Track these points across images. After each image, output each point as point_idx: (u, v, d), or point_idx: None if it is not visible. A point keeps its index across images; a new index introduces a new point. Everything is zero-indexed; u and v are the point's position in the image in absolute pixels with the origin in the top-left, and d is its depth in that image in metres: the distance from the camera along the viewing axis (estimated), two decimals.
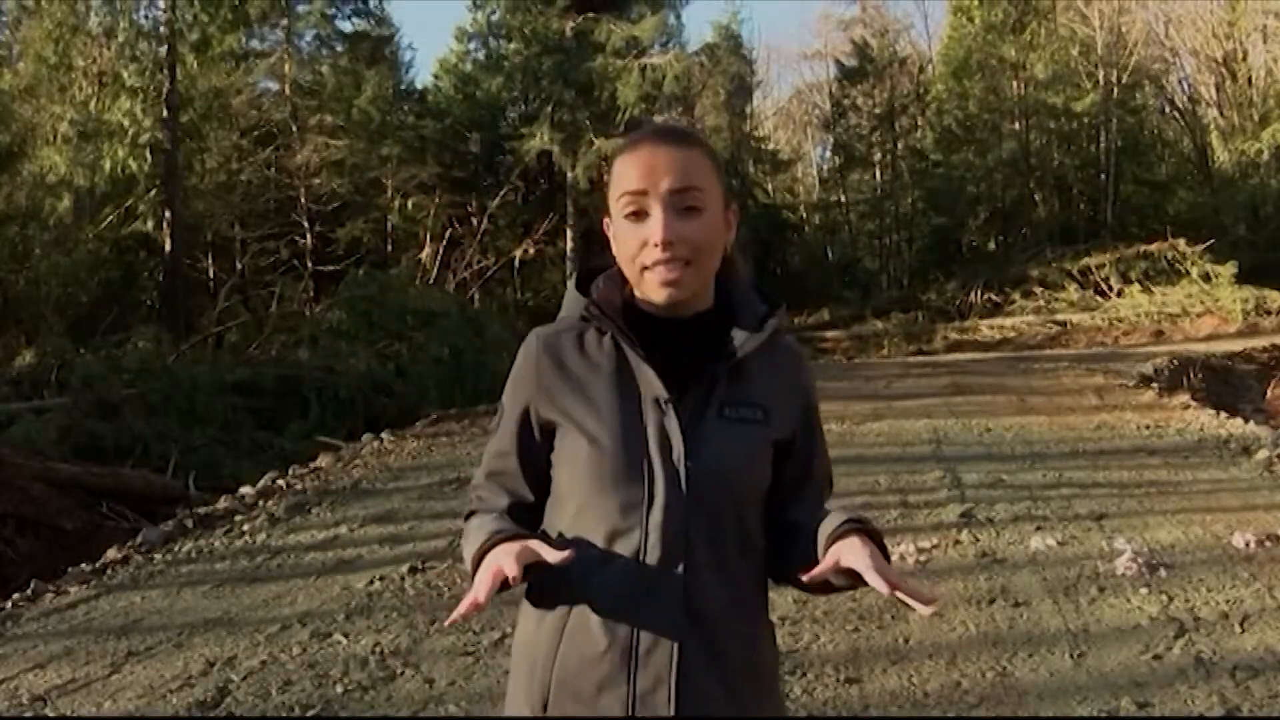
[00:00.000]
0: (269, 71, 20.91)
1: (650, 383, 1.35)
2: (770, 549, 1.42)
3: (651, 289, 1.35)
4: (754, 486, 1.39)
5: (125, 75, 17.02)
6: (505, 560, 1.25)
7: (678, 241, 1.32)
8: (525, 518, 1.40)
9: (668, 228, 1.31)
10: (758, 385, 1.40)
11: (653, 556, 1.31)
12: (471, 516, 1.44)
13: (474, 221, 20.17)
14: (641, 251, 1.34)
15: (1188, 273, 19.50)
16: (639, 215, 1.34)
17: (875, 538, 1.29)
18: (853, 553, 1.25)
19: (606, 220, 1.41)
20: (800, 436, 1.45)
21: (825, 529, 1.34)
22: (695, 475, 1.32)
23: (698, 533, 1.32)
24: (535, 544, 1.28)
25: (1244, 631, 3.70)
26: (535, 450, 1.41)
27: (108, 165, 16.53)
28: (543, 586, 1.35)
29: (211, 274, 19.37)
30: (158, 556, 5.45)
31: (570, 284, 1.46)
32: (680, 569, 1.32)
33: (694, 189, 1.33)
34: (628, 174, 1.35)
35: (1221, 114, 24.86)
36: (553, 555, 1.26)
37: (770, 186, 27.47)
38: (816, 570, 1.28)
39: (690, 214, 1.33)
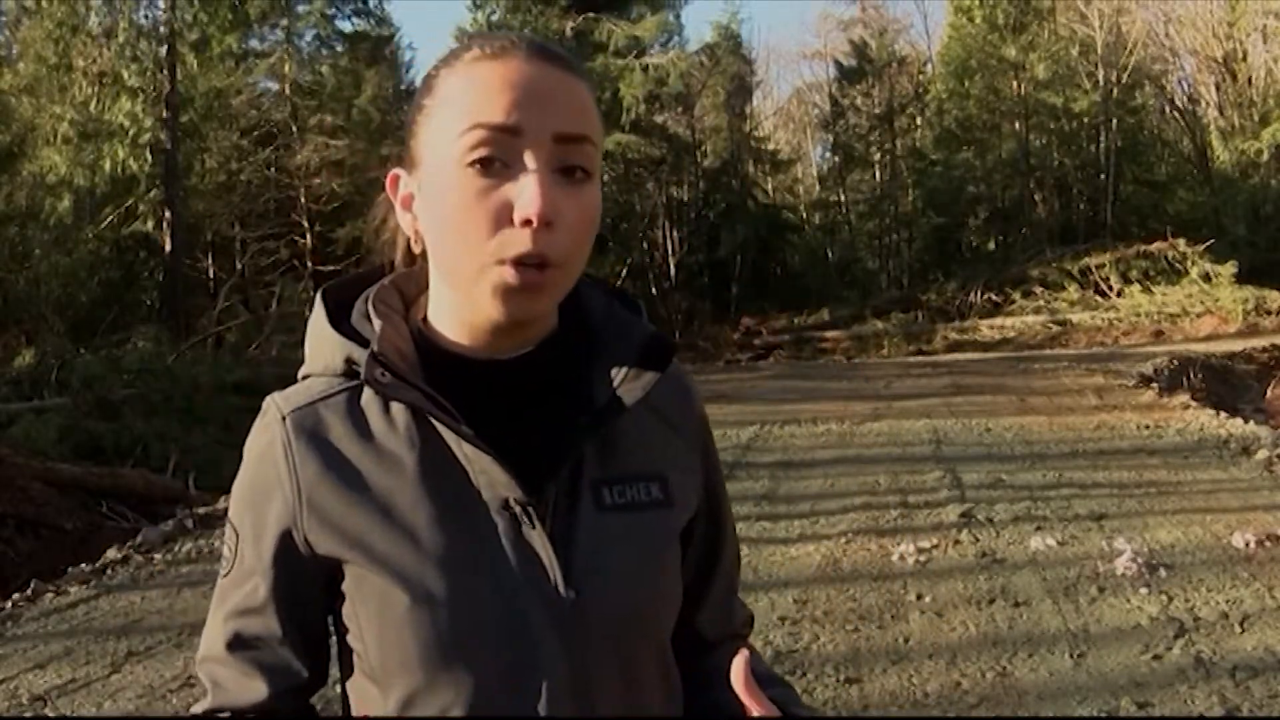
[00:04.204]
0: (269, 71, 20.90)
1: (495, 479, 0.82)
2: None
3: (493, 298, 0.79)
4: (671, 607, 0.89)
5: (125, 75, 17.02)
6: None
7: (558, 224, 0.78)
8: (296, 708, 0.89)
9: (548, 196, 0.77)
10: (644, 444, 0.89)
11: None
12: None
13: None
14: (496, 231, 0.77)
15: (1188, 273, 19.49)
16: (492, 167, 0.78)
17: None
18: None
19: (397, 174, 0.86)
20: (704, 505, 0.94)
21: None
22: (585, 614, 0.82)
23: (607, 706, 0.84)
24: None
25: (1244, 631, 3.70)
26: (309, 601, 0.86)
27: (108, 165, 16.54)
28: None
29: (211, 274, 19.38)
30: (158, 556, 5.46)
31: (315, 315, 0.88)
32: None
33: (589, 141, 0.80)
34: (488, 95, 0.78)
35: (1221, 114, 24.84)
36: None
37: (770, 186, 27.46)
38: None
39: (575, 180, 0.80)
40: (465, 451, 0.82)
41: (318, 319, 0.88)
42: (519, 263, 0.77)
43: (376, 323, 0.85)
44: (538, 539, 0.82)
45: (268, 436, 0.85)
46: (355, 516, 0.82)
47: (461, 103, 0.79)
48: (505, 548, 0.82)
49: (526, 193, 0.77)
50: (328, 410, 0.84)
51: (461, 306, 0.84)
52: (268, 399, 0.87)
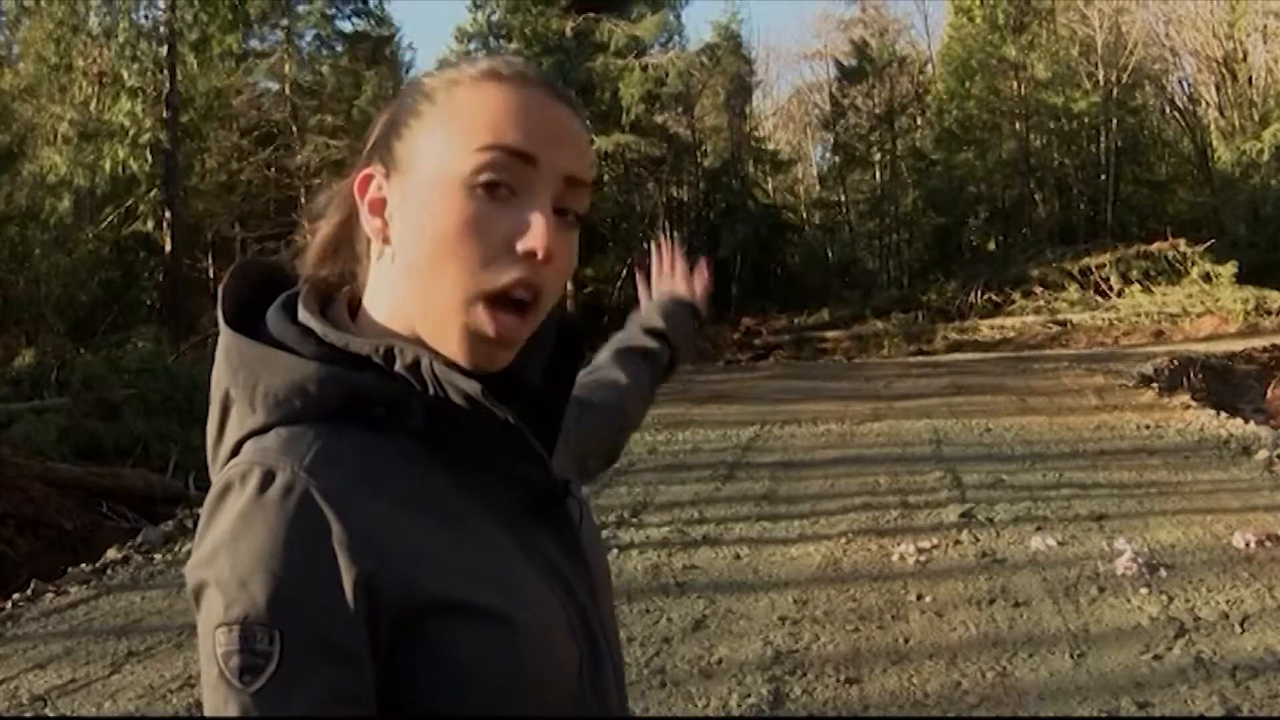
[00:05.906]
0: (269, 71, 20.93)
1: (537, 485, 0.79)
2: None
3: (461, 342, 0.75)
4: None
5: (125, 75, 17.05)
6: None
7: (553, 264, 0.75)
8: None
9: (553, 234, 0.74)
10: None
11: None
12: None
13: None
14: (492, 260, 0.74)
15: (1188, 273, 19.50)
16: (498, 192, 0.74)
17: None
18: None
19: (371, 174, 0.80)
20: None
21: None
22: (600, 597, 0.83)
23: (620, 680, 0.85)
24: None
25: (1244, 631, 3.70)
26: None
27: (108, 165, 16.56)
28: None
29: (211, 274, 19.40)
30: (158, 556, 5.46)
31: (264, 354, 0.75)
32: None
33: (589, 187, 0.79)
34: (510, 119, 0.75)
35: (1221, 114, 24.85)
36: None
37: (770, 186, 27.46)
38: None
39: (568, 224, 0.77)
40: (501, 461, 0.77)
41: (274, 355, 0.74)
42: (503, 299, 0.74)
43: (380, 343, 0.75)
44: (570, 537, 0.81)
45: (290, 503, 0.67)
46: (430, 567, 0.70)
47: (477, 120, 0.75)
48: (563, 556, 0.79)
49: (536, 226, 0.73)
50: (343, 456, 0.71)
51: (423, 327, 0.76)
52: (254, 465, 0.69)
